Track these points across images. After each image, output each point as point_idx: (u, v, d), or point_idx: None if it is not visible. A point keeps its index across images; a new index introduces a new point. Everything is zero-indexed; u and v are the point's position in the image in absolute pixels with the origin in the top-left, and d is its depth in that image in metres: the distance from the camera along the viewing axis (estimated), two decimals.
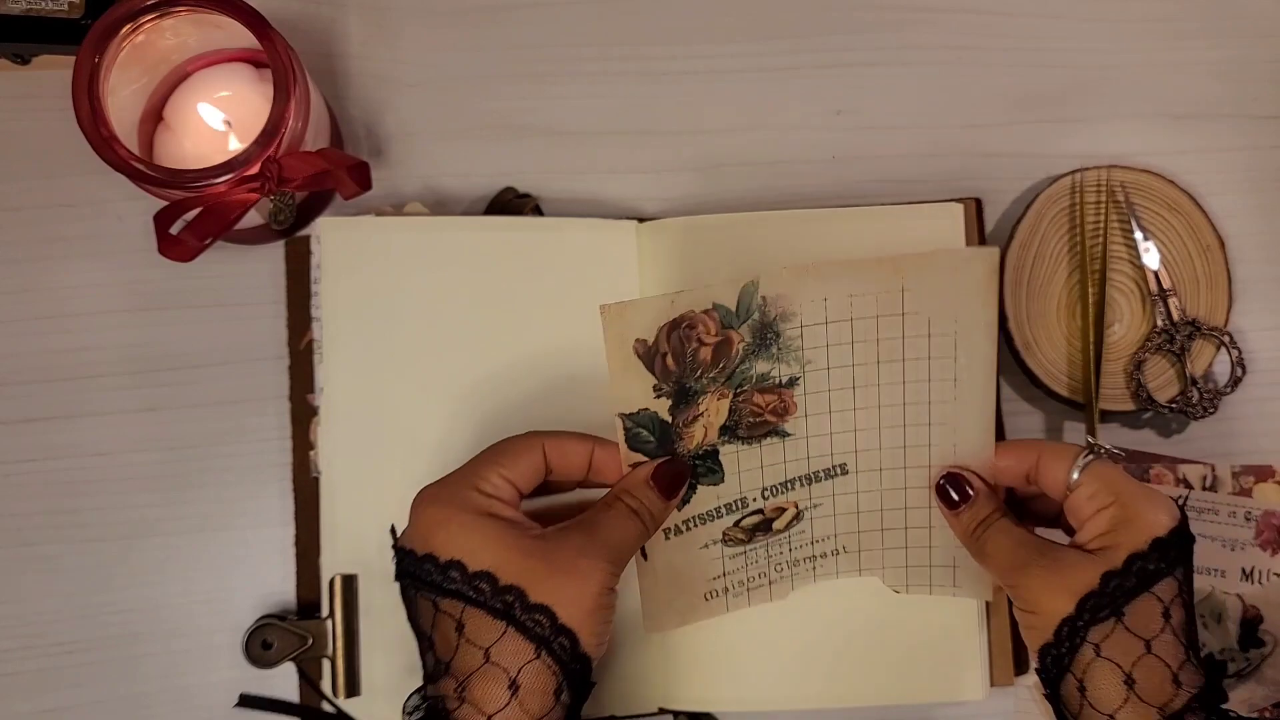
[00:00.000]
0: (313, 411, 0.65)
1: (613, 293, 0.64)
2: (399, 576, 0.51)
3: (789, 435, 0.57)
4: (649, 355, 0.54)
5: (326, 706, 0.63)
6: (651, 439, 0.55)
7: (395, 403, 0.64)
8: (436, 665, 0.48)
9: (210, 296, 0.68)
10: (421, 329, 0.64)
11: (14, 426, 0.66)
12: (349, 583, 0.63)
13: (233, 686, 0.65)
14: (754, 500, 0.59)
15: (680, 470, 0.55)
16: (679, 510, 0.57)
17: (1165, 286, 0.68)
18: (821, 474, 0.59)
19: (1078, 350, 0.68)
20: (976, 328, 0.56)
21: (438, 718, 0.47)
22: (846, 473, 0.59)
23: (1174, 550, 0.50)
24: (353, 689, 0.62)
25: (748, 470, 0.58)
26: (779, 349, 0.55)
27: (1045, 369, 0.68)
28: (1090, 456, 0.53)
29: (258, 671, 0.64)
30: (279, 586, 0.66)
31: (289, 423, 0.66)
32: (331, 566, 0.63)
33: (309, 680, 0.63)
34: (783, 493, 0.59)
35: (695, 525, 0.58)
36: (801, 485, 0.59)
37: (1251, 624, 0.67)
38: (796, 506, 0.59)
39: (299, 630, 0.62)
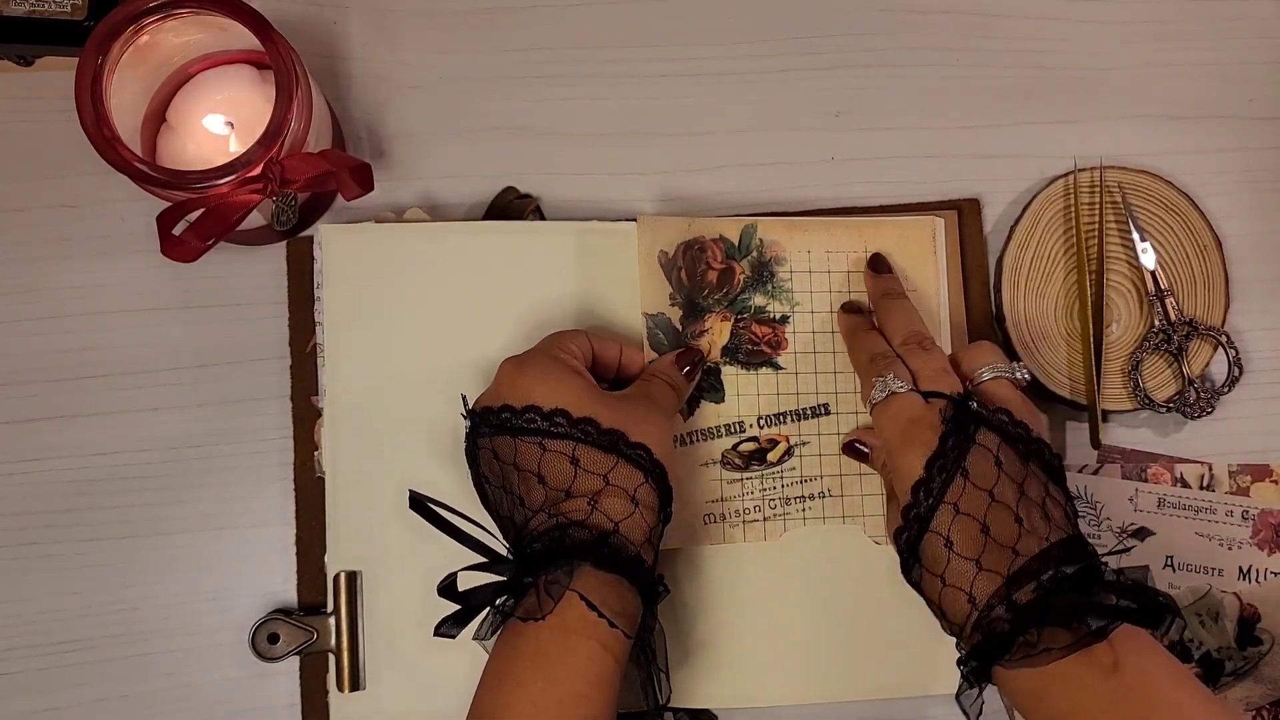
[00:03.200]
0: (315, 412, 0.65)
1: (613, 294, 0.65)
2: (482, 434, 0.57)
3: (781, 369, 0.66)
4: (668, 266, 0.66)
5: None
6: (665, 342, 0.65)
7: (397, 405, 0.64)
8: (550, 495, 0.55)
9: (212, 297, 0.68)
10: (423, 332, 0.65)
11: (17, 426, 0.66)
12: (353, 579, 0.63)
13: (235, 685, 0.65)
14: (750, 426, 0.65)
15: (697, 354, 0.64)
16: (684, 420, 0.65)
17: (1163, 287, 0.69)
18: (808, 411, 0.66)
19: (1076, 351, 0.69)
20: (925, 283, 0.67)
21: (570, 527, 0.54)
22: (829, 413, 0.66)
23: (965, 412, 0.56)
24: (356, 683, 0.62)
25: (745, 395, 0.66)
26: (773, 287, 0.66)
27: (1043, 369, 0.68)
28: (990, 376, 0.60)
29: (260, 670, 0.64)
30: (280, 586, 0.66)
31: (290, 422, 0.66)
32: (336, 563, 0.63)
33: (311, 673, 0.64)
34: (776, 424, 0.66)
35: (699, 440, 0.65)
36: (792, 420, 0.66)
37: (1249, 623, 0.67)
38: (788, 441, 0.66)
39: (305, 625, 0.63)
